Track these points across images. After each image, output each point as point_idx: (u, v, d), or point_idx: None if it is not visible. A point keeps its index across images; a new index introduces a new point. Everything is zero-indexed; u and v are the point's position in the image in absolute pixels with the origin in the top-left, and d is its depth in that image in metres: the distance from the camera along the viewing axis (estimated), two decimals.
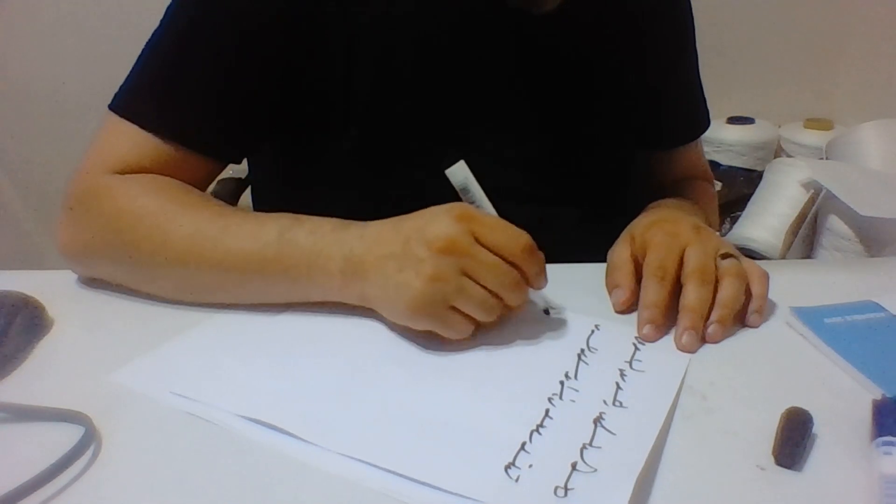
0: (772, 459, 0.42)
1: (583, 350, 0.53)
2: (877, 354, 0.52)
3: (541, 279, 0.53)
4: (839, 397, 0.49)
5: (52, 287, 0.59)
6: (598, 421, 0.45)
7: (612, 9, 0.72)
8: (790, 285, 0.59)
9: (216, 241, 0.56)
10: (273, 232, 0.55)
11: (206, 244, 0.56)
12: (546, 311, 0.57)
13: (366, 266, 0.52)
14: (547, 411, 0.46)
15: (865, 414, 0.45)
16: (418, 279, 0.49)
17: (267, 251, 0.55)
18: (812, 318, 0.56)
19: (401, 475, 0.41)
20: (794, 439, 0.43)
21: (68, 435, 0.42)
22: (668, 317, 0.56)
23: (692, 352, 0.54)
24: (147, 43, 0.63)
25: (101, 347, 0.54)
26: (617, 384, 0.49)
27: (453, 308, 0.50)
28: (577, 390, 0.48)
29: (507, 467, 0.41)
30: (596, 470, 0.41)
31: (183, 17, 0.63)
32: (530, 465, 0.41)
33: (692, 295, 0.55)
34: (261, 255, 0.55)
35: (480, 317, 0.51)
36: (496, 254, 0.50)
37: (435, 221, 0.50)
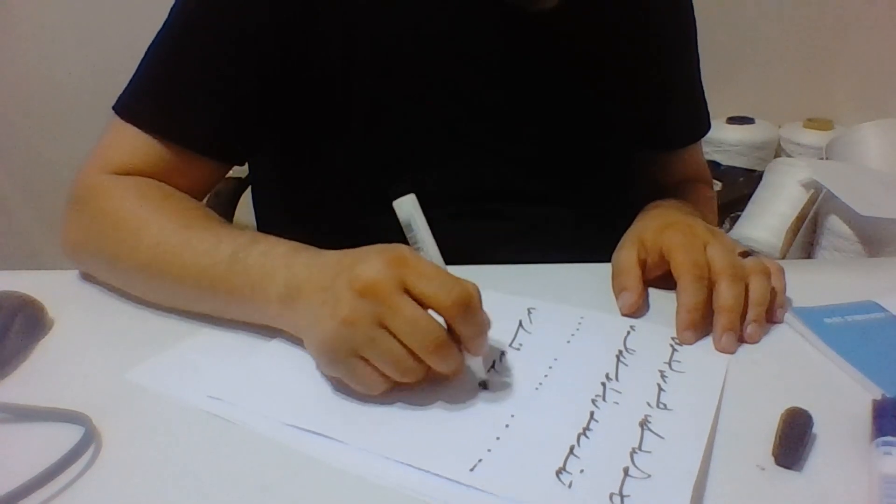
0: (772, 459, 0.42)
1: (621, 351, 0.53)
2: (877, 354, 0.52)
3: (477, 343, 0.46)
4: (839, 397, 0.49)
5: (52, 287, 0.59)
6: (644, 424, 0.45)
7: (614, 8, 0.72)
8: (790, 285, 0.59)
9: (175, 255, 0.55)
10: (228, 250, 0.53)
11: (166, 256, 0.55)
12: (483, 385, 0.48)
13: (301, 295, 0.48)
14: (592, 413, 0.46)
15: (865, 414, 0.45)
16: (332, 319, 0.44)
17: (217, 269, 0.53)
18: (812, 318, 0.56)
19: (448, 479, 0.40)
20: (794, 439, 0.43)
21: (68, 435, 0.42)
22: (706, 318, 0.55)
23: (731, 353, 0.53)
24: (149, 45, 0.64)
25: (101, 347, 0.54)
26: (658, 386, 0.49)
27: (363, 359, 0.44)
28: (619, 392, 0.48)
29: (558, 472, 0.40)
30: (650, 476, 0.40)
31: (182, 19, 0.64)
32: (581, 470, 0.40)
33: (727, 294, 0.55)
34: (212, 272, 0.53)
35: (393, 375, 0.45)
36: (425, 307, 0.44)
37: (365, 261, 0.45)
